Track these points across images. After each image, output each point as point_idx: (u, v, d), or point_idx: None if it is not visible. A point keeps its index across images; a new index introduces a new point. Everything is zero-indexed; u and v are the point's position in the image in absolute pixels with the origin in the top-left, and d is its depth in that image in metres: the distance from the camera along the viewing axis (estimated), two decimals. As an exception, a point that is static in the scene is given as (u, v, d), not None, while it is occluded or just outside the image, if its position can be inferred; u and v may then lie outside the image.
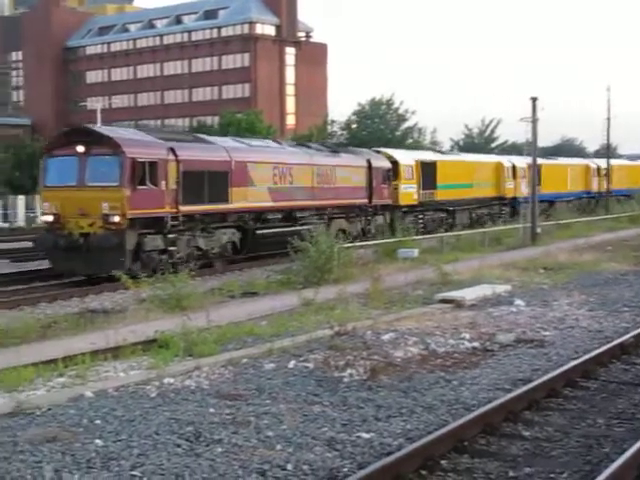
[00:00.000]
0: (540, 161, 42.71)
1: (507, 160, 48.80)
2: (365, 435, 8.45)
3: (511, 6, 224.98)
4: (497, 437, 8.57)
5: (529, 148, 36.61)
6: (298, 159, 30.99)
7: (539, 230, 35.08)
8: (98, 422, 8.81)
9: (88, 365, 11.99)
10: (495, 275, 22.61)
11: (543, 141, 50.61)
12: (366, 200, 34.12)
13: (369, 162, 34.68)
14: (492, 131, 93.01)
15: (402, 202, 37.17)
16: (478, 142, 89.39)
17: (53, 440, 8.09)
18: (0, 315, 17.15)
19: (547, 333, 14.42)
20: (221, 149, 27.46)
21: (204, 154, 26.39)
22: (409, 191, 37.75)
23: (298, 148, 33.56)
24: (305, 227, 27.42)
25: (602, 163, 58.16)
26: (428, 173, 39.47)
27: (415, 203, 38.35)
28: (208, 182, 25.76)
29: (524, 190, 44.20)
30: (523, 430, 8.82)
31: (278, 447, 8.07)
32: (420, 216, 38.89)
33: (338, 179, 32.55)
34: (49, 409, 9.35)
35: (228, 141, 29.90)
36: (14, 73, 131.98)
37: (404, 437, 8.42)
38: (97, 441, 8.13)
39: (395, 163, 36.98)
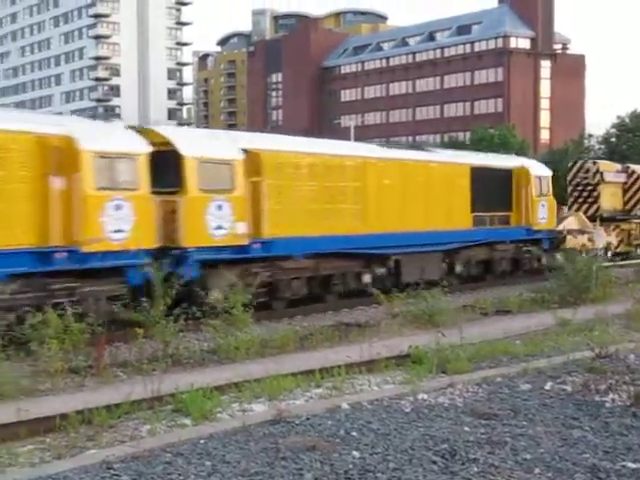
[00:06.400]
0: None
1: None
2: (631, 465, 7.98)
3: None
4: None
5: None
6: None
7: None
8: (354, 434, 8.93)
9: (343, 377, 12.26)
10: None
11: None
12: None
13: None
14: None
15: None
16: None
17: (312, 449, 8.27)
18: (261, 326, 17.89)
19: None
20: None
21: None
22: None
23: None
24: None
25: None
26: None
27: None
28: None
29: None
30: None
31: (536, 471, 7.79)
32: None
33: None
34: (307, 418, 9.59)
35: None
36: (273, 94, 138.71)
37: (674, 470, 7.89)
38: (354, 452, 8.23)
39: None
